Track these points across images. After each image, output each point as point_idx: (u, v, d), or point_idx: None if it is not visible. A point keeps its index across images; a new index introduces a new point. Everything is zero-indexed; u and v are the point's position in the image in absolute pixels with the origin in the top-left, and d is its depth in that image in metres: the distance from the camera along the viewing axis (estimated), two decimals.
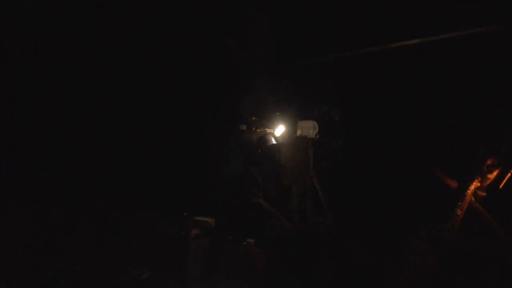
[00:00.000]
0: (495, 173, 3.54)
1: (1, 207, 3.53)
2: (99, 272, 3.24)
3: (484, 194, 3.57)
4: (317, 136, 4.25)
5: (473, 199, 3.51)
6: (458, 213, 3.37)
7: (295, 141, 4.21)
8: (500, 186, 3.54)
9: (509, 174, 3.52)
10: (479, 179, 3.55)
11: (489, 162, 3.53)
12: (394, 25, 4.73)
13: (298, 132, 4.26)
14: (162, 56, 5.12)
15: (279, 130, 4.46)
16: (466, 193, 3.46)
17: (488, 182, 3.56)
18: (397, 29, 4.72)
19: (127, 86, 5.03)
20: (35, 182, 3.99)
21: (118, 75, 4.98)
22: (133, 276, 3.26)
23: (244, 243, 3.46)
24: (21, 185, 3.91)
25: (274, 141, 4.41)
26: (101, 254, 3.43)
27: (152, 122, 4.97)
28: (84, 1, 4.42)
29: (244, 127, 4.42)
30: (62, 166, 4.40)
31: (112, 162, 4.76)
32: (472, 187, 3.52)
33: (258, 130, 4.48)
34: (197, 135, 4.62)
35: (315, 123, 4.30)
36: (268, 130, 4.46)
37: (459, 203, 3.42)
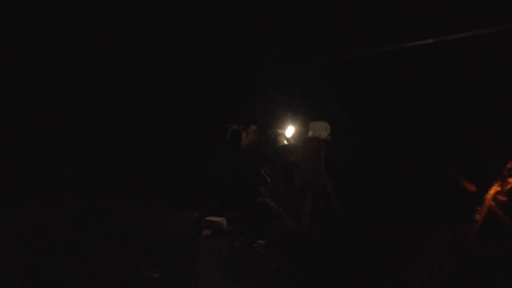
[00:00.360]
0: None
1: (14, 203, 3.59)
2: (111, 270, 3.26)
3: (504, 198, 3.45)
4: (329, 137, 4.19)
5: (493, 203, 3.40)
6: (477, 218, 3.26)
7: (306, 142, 4.16)
8: None
9: None
10: (499, 183, 3.44)
11: (509, 165, 3.42)
12: (406, 23, 4.64)
13: (310, 133, 4.21)
14: (171, 56, 5.14)
15: (290, 130, 4.44)
16: (486, 198, 3.35)
17: (508, 186, 3.45)
18: (410, 28, 4.63)
19: (133, 86, 5.08)
20: (48, 178, 4.05)
21: (127, 74, 5.04)
22: (145, 275, 3.27)
23: (255, 244, 3.45)
24: (35, 181, 3.98)
25: (285, 142, 4.38)
26: (113, 252, 3.45)
27: (164, 121, 5.01)
28: (84, 1, 4.41)
29: (255, 127, 4.41)
30: (74, 162, 4.47)
31: (123, 159, 4.81)
32: (492, 191, 3.41)
33: (269, 131, 4.46)
34: (208, 135, 4.63)
35: (327, 123, 4.25)
36: (280, 131, 4.43)
37: (478, 208, 3.31)
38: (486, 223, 3.30)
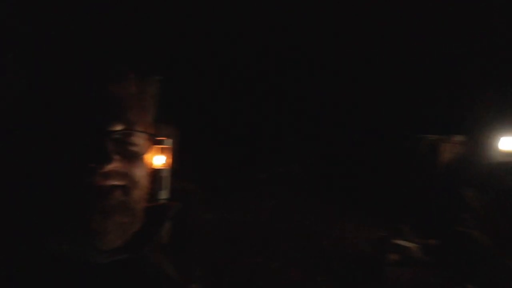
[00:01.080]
0: None
1: (219, 201, 4.19)
2: (292, 273, 3.34)
3: None
4: None
5: None
6: None
7: None
8: None
9: None
10: None
11: None
12: None
13: None
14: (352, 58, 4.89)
15: (509, 142, 3.41)
16: None
17: None
18: None
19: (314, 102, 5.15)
20: (248, 181, 4.63)
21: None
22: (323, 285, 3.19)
23: None
24: (238, 183, 4.59)
25: (502, 157, 3.39)
26: (294, 256, 3.54)
27: (350, 131, 4.85)
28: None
29: (458, 138, 3.60)
30: (269, 169, 4.98)
31: (309, 168, 4.96)
32: None
33: (477, 143, 3.54)
34: (400, 146, 4.12)
35: None
36: (496, 143, 3.45)
37: None
38: None
